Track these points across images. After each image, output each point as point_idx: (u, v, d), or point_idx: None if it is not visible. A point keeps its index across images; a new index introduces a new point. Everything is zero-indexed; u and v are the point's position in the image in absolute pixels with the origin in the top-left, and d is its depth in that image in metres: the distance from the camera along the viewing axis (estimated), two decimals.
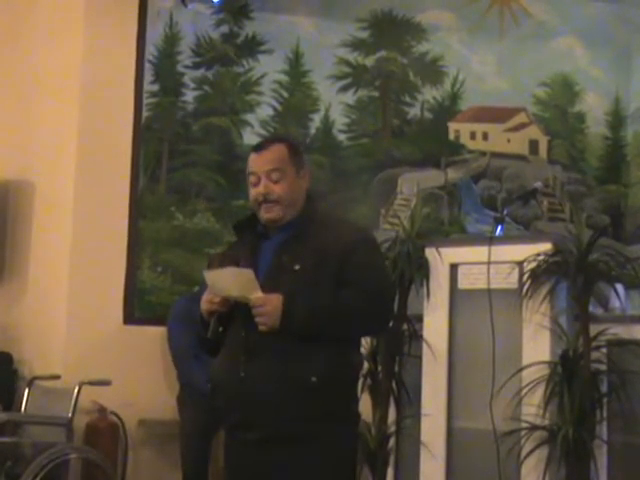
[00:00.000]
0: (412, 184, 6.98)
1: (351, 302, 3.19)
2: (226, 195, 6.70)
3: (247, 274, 3.18)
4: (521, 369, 4.75)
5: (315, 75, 6.93)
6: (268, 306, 3.15)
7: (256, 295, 3.16)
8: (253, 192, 3.37)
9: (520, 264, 4.84)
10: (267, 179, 3.34)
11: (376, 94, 7.07)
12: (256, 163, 3.39)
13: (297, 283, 3.19)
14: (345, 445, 3.27)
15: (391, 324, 3.66)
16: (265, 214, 3.34)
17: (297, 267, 3.21)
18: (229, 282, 3.20)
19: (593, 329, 4.75)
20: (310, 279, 3.20)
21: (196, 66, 6.76)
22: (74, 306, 6.28)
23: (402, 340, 5.27)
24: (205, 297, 3.28)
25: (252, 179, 3.38)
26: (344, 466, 3.27)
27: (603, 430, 4.76)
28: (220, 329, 3.29)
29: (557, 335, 4.78)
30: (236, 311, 3.24)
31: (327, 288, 3.20)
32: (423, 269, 5.12)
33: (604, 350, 4.78)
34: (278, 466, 3.17)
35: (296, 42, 6.89)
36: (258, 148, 3.44)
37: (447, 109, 7.14)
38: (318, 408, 3.15)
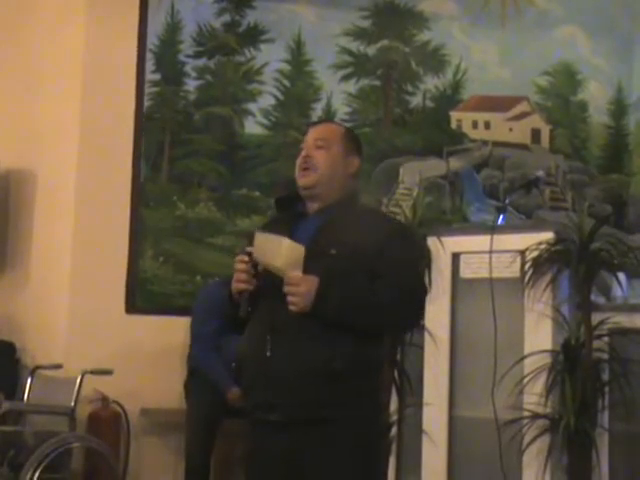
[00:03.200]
0: (414, 173, 6.98)
1: (384, 297, 3.14)
2: (228, 184, 6.71)
3: (299, 250, 3.12)
4: (523, 358, 4.75)
5: (317, 64, 6.93)
6: (303, 287, 3.09)
7: (294, 273, 3.12)
8: (298, 159, 3.37)
9: (522, 253, 4.84)
10: (313, 146, 3.33)
11: (378, 83, 7.07)
12: (309, 134, 3.39)
13: (332, 268, 3.13)
14: (370, 432, 3.23)
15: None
16: (300, 179, 3.32)
17: (333, 251, 3.16)
18: (278, 251, 3.13)
19: (595, 318, 4.75)
20: (345, 265, 3.15)
21: (198, 55, 6.76)
22: (76, 295, 6.29)
23: None
24: (236, 275, 3.20)
25: (302, 147, 3.37)
26: (369, 453, 3.23)
27: (605, 419, 4.76)
28: (249, 309, 3.22)
29: (559, 324, 4.78)
30: (265, 290, 3.19)
31: (361, 278, 3.15)
32: (425, 258, 5.12)
33: (606, 339, 4.79)
34: (300, 449, 3.13)
35: (298, 31, 6.89)
36: (316, 123, 3.51)
37: (449, 98, 7.14)
38: (341, 393, 3.12)
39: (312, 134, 3.37)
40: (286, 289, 3.11)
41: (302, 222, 3.32)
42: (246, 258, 3.17)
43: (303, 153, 3.34)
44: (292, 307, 3.11)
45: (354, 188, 3.41)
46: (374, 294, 3.14)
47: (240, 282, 3.19)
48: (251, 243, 3.22)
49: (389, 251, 3.20)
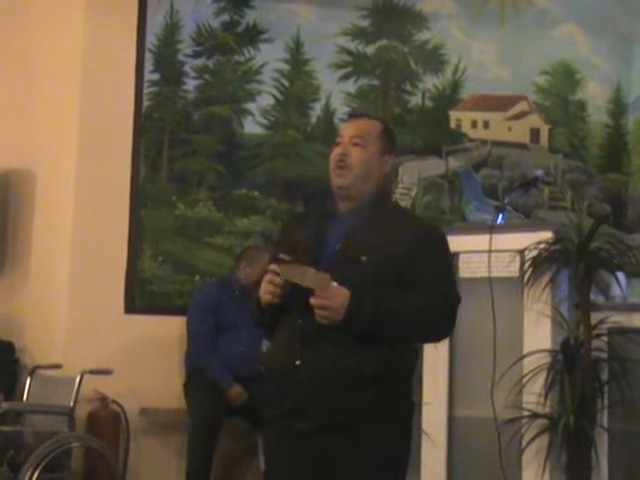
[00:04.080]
0: (413, 173, 6.98)
1: (416, 308, 3.08)
2: (227, 184, 6.70)
3: (324, 279, 3.03)
4: (522, 357, 4.75)
5: (316, 64, 6.92)
6: (334, 302, 3.02)
7: (325, 287, 3.03)
8: (333, 153, 3.28)
9: (521, 252, 4.84)
10: (349, 143, 3.25)
11: (377, 83, 7.06)
12: (346, 128, 3.32)
13: (362, 276, 3.07)
14: (400, 438, 3.19)
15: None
16: (336, 179, 3.23)
17: (363, 258, 3.09)
18: (303, 276, 3.03)
19: (594, 317, 4.76)
20: (375, 273, 3.08)
21: (197, 55, 6.76)
22: (75, 295, 6.29)
23: None
24: (266, 287, 3.12)
25: (338, 141, 3.29)
26: (396, 460, 3.19)
27: (604, 418, 4.77)
28: (276, 316, 3.19)
29: (558, 323, 4.78)
30: (294, 296, 3.10)
31: (392, 288, 3.08)
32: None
33: (605, 338, 4.79)
34: (329, 457, 3.08)
35: (297, 31, 6.88)
36: (354, 116, 3.41)
37: (448, 97, 7.13)
38: (371, 400, 3.06)
39: (349, 129, 3.29)
40: (317, 302, 3.03)
41: (332, 222, 3.24)
42: (277, 270, 3.09)
43: (339, 149, 3.26)
44: (322, 321, 3.04)
45: (386, 186, 3.35)
46: (405, 306, 3.08)
47: (268, 294, 3.12)
48: (280, 246, 3.18)
49: (422, 259, 3.13)
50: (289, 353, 3.11)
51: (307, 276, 3.02)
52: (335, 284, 3.04)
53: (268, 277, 3.12)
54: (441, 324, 3.20)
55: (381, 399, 3.09)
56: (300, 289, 3.05)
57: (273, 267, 3.11)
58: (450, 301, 3.19)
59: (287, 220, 3.54)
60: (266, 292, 3.13)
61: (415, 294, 3.09)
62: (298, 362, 3.08)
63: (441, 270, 3.20)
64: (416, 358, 3.29)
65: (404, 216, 3.36)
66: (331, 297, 3.03)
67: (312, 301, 3.03)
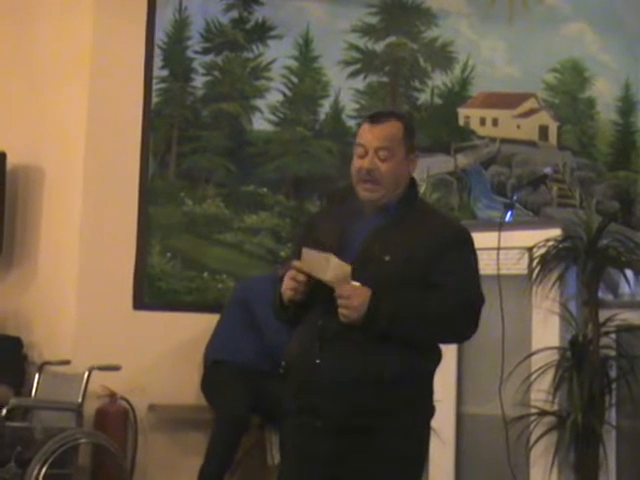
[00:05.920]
0: (422, 170, 6.96)
1: (439, 311, 3.05)
2: (236, 181, 6.70)
3: (345, 269, 3.02)
4: (530, 355, 4.75)
5: (325, 60, 6.92)
6: (355, 300, 3.00)
7: (345, 285, 3.02)
8: (357, 164, 3.16)
9: (530, 250, 4.84)
10: (375, 155, 3.14)
11: (386, 80, 7.06)
12: (367, 136, 3.19)
13: (385, 276, 3.04)
14: (417, 441, 3.18)
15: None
16: (364, 192, 3.16)
17: (387, 258, 3.06)
18: (325, 267, 3.02)
19: (602, 315, 4.76)
20: (398, 273, 3.05)
21: (205, 51, 6.75)
22: (84, 291, 6.29)
23: None
24: (288, 283, 3.11)
25: (359, 150, 3.17)
26: (413, 463, 3.17)
27: (612, 415, 4.77)
28: (298, 313, 3.18)
29: (566, 321, 4.78)
30: (315, 296, 3.10)
31: (415, 288, 3.05)
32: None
33: (613, 336, 4.79)
34: (344, 457, 3.06)
35: (306, 27, 6.88)
36: (374, 120, 3.24)
37: (457, 95, 7.13)
38: (391, 402, 3.04)
39: (373, 140, 3.17)
40: (338, 301, 3.01)
41: (358, 221, 3.21)
42: (297, 265, 3.08)
43: (364, 164, 3.15)
44: (343, 319, 3.02)
45: (414, 184, 3.28)
46: (428, 307, 3.05)
47: (290, 290, 3.12)
48: (304, 243, 3.16)
49: (448, 261, 3.10)
50: (309, 351, 3.09)
51: (330, 265, 3.01)
52: (357, 284, 3.03)
53: (290, 273, 3.11)
54: (464, 325, 3.17)
55: (401, 402, 3.07)
56: (323, 286, 3.04)
57: (295, 263, 3.10)
58: (474, 303, 3.16)
59: (311, 217, 3.49)
60: (288, 288, 3.12)
61: (439, 295, 3.06)
62: (318, 360, 3.06)
63: (466, 272, 3.17)
64: (439, 359, 3.25)
65: (432, 216, 3.27)
66: (352, 295, 3.01)
67: (336, 297, 3.02)
